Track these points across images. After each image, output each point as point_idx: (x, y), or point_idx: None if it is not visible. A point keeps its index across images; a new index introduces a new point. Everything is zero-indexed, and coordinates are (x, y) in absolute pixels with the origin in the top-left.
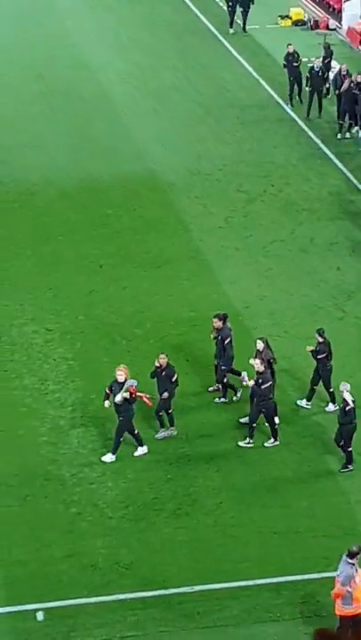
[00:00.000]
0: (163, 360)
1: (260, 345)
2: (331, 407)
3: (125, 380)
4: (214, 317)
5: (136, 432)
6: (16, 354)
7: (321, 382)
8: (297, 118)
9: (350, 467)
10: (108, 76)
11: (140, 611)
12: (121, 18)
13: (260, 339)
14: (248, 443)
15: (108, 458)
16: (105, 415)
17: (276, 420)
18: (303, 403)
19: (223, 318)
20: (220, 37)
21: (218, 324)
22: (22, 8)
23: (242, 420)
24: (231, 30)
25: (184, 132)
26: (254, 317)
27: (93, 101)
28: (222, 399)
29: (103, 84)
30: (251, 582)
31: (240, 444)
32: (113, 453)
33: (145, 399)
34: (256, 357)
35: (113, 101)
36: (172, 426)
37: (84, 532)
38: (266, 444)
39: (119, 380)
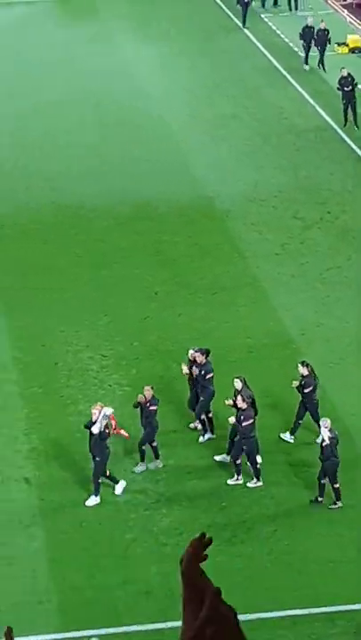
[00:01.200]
0: (148, 392)
1: (238, 384)
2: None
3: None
4: (196, 352)
5: (108, 474)
6: (72, 379)
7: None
8: (353, 145)
9: (338, 503)
10: (166, 104)
11: None
12: (180, 47)
13: (237, 377)
14: (237, 480)
15: (92, 501)
16: (160, 442)
17: (258, 459)
18: (287, 436)
19: (206, 353)
20: (277, 64)
21: (200, 358)
22: (80, 38)
23: (217, 458)
24: (306, 67)
25: (241, 159)
26: (310, 344)
27: (150, 129)
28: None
29: (160, 112)
30: (305, 611)
31: (229, 482)
32: (96, 495)
33: (122, 432)
34: (236, 396)
35: (170, 129)
36: (156, 458)
37: (138, 558)
38: (249, 485)
39: (93, 420)
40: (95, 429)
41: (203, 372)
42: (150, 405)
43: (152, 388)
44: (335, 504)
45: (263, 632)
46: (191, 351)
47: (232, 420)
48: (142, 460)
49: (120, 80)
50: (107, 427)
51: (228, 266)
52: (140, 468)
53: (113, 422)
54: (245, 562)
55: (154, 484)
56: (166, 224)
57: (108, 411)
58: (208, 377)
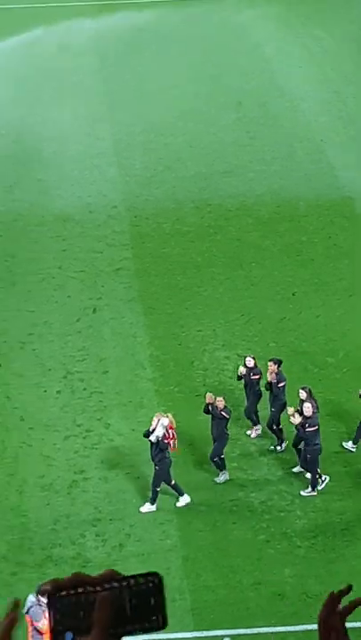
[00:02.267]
0: (220, 403)
1: (303, 395)
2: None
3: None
4: (270, 361)
5: (173, 482)
6: (208, 379)
7: None
8: None
9: None
10: (308, 104)
11: None
12: (324, 47)
13: (302, 388)
14: (310, 492)
15: (147, 508)
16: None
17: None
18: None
19: (278, 363)
20: None
21: (273, 367)
22: (222, 38)
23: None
24: None
25: None
26: None
27: (292, 129)
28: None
29: (303, 112)
30: None
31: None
32: (152, 504)
33: (171, 443)
34: (304, 403)
35: (312, 129)
36: (224, 469)
37: (272, 560)
38: (302, 493)
39: (151, 429)
40: (153, 438)
41: (276, 382)
42: (223, 412)
43: (224, 398)
44: None
45: None
46: (248, 358)
47: (297, 419)
48: (222, 468)
49: (262, 78)
50: (165, 436)
51: None
52: (222, 477)
53: (171, 431)
54: None
55: (288, 486)
56: (305, 224)
57: (166, 421)
58: (280, 385)
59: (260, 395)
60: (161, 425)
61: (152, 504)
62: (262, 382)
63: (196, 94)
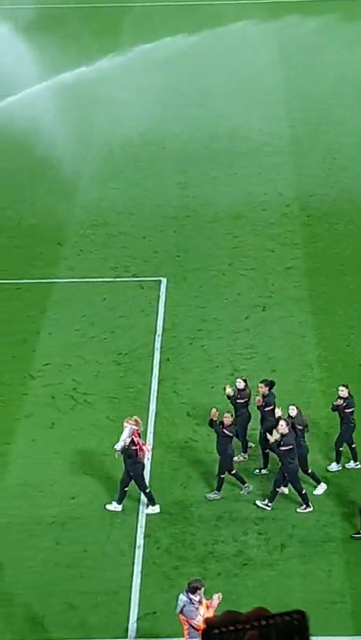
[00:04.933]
0: (227, 419)
1: (293, 411)
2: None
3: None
4: (260, 383)
5: (148, 490)
6: None
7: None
8: None
9: None
10: None
11: None
12: None
13: (292, 405)
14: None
15: (113, 507)
16: None
17: (283, 489)
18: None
19: (270, 385)
20: None
21: (263, 389)
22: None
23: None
24: None
25: None
26: None
27: None
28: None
29: None
30: None
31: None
32: (118, 503)
33: (145, 448)
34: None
35: None
36: (218, 490)
37: None
38: (298, 510)
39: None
40: (118, 446)
41: (264, 404)
42: (226, 430)
43: (231, 415)
44: None
45: None
46: (239, 379)
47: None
48: (243, 482)
49: None
50: (134, 443)
51: None
52: (213, 495)
53: (136, 439)
54: None
55: None
56: None
57: (128, 429)
58: (267, 409)
59: (248, 418)
60: (128, 432)
61: (119, 503)
62: (251, 406)
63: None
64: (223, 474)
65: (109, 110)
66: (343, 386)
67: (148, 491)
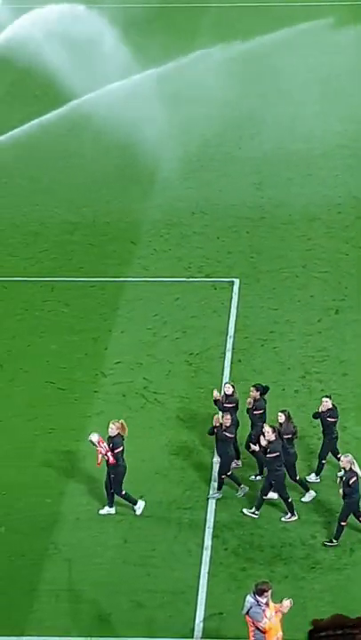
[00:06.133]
0: (227, 420)
1: (281, 418)
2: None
3: (117, 435)
4: (252, 387)
5: (112, 491)
6: None
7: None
8: None
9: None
10: None
11: None
12: None
13: (281, 411)
14: (253, 513)
15: (105, 510)
16: None
17: (272, 495)
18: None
19: (261, 390)
20: None
21: (255, 394)
22: None
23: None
24: None
25: None
26: None
27: None
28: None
29: None
30: None
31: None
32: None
33: (108, 456)
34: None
35: None
36: (219, 489)
37: None
38: (283, 519)
39: (111, 434)
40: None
41: (253, 408)
42: (227, 432)
43: (230, 414)
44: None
45: None
46: (227, 385)
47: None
48: (239, 484)
49: None
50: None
51: None
52: (216, 494)
53: (102, 446)
54: None
55: None
56: None
57: (94, 437)
58: (256, 413)
59: (237, 424)
60: (90, 441)
61: (110, 507)
62: (240, 410)
63: None
64: (223, 475)
65: (187, 110)
66: (327, 397)
67: (123, 493)
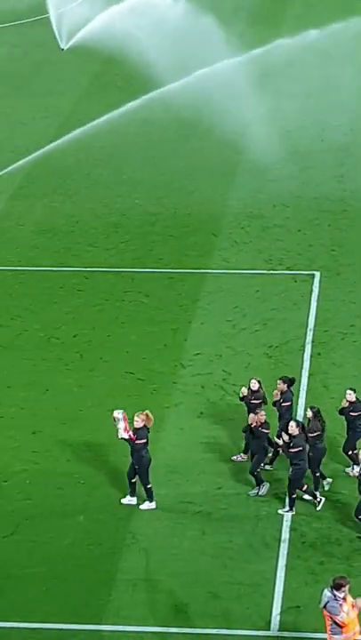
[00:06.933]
0: (262, 417)
1: (309, 413)
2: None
3: (142, 427)
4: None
5: (149, 486)
6: None
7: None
8: None
9: None
10: None
11: None
12: None
13: (311, 407)
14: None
15: (146, 506)
16: None
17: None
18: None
19: (289, 382)
20: None
21: (282, 386)
22: None
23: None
24: None
25: None
26: None
27: None
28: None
29: None
30: None
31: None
32: (150, 501)
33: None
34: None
35: None
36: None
37: None
38: (280, 511)
39: (136, 426)
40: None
41: (281, 400)
42: (262, 428)
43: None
44: None
45: None
46: (253, 381)
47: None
48: (259, 484)
49: None
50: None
51: None
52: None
53: (124, 424)
54: None
55: None
56: None
57: (119, 414)
58: (284, 404)
59: None
60: (118, 419)
61: (150, 501)
62: (267, 406)
63: None
64: (258, 470)
65: (270, 102)
66: (351, 389)
67: (149, 486)
